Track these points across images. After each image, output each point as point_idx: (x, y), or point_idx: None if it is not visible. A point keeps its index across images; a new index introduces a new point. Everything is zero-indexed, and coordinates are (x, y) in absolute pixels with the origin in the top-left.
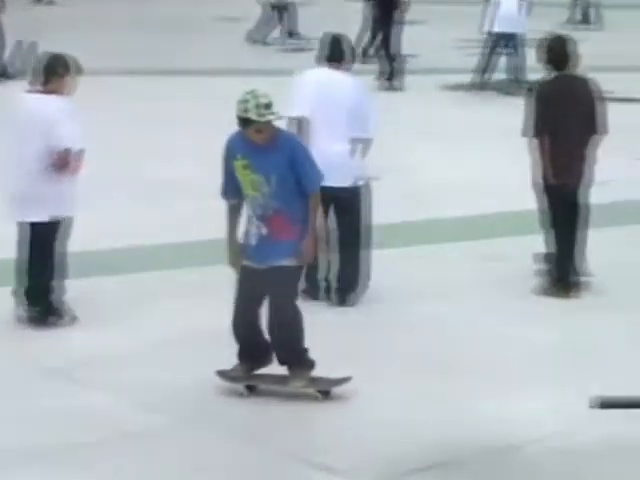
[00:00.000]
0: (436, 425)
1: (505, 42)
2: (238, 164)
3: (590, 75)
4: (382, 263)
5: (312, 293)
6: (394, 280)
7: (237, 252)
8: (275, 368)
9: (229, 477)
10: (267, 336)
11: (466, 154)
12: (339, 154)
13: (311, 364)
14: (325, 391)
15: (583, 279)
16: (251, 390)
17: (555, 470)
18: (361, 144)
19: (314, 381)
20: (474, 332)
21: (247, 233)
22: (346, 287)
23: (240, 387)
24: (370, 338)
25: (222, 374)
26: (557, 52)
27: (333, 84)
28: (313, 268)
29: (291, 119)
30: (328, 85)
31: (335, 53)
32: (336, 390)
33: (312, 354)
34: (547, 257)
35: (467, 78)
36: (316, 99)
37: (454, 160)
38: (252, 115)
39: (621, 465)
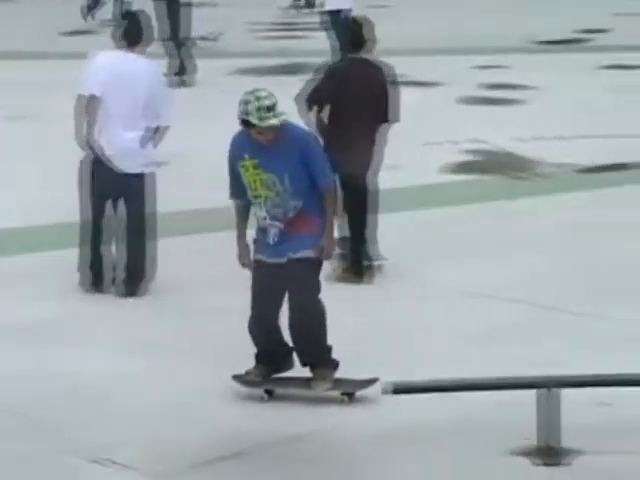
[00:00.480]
0: (230, 416)
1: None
2: (247, 164)
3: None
4: (169, 252)
5: (97, 285)
6: (182, 269)
7: (247, 253)
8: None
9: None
10: (287, 337)
11: None
12: (131, 140)
13: (335, 364)
14: (350, 393)
15: (375, 263)
16: (270, 394)
17: (352, 455)
18: (154, 132)
19: (338, 383)
20: None
21: (264, 235)
22: (133, 277)
23: (259, 391)
24: (165, 326)
25: (238, 378)
26: (352, 34)
27: (127, 68)
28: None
29: (80, 96)
30: (121, 68)
31: (131, 34)
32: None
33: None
34: (341, 242)
35: (261, 62)
36: (108, 81)
37: None
38: (253, 119)
39: (414, 448)
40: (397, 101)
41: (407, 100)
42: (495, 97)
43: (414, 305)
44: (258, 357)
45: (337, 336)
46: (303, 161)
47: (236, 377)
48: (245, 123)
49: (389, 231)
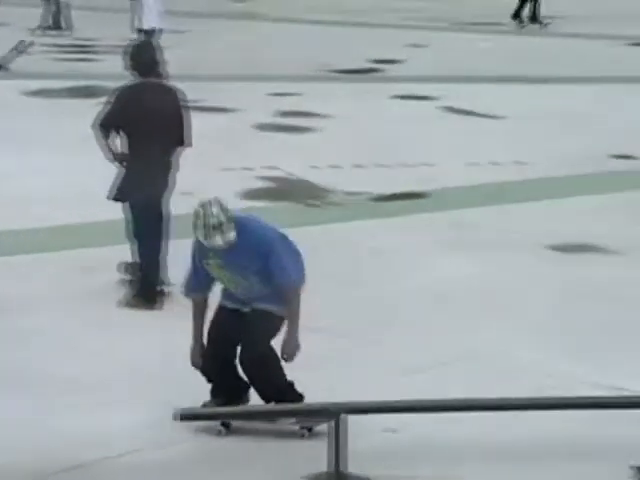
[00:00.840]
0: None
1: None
2: (212, 263)
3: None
4: None
5: None
6: None
7: (200, 351)
8: None
9: None
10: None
11: (50, 162)
12: None
13: (300, 398)
14: (309, 427)
15: (166, 288)
16: (228, 428)
17: None
18: None
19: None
20: (64, 345)
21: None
22: None
23: (215, 425)
24: None
25: (191, 415)
26: (142, 59)
27: None
28: None
29: None
30: None
31: None
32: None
33: None
34: (132, 267)
35: (51, 83)
36: None
37: (37, 169)
38: (199, 235)
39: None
40: (189, 126)
41: (203, 125)
42: (291, 124)
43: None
44: (213, 391)
45: (123, 361)
46: (265, 261)
47: (186, 415)
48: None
49: (180, 257)
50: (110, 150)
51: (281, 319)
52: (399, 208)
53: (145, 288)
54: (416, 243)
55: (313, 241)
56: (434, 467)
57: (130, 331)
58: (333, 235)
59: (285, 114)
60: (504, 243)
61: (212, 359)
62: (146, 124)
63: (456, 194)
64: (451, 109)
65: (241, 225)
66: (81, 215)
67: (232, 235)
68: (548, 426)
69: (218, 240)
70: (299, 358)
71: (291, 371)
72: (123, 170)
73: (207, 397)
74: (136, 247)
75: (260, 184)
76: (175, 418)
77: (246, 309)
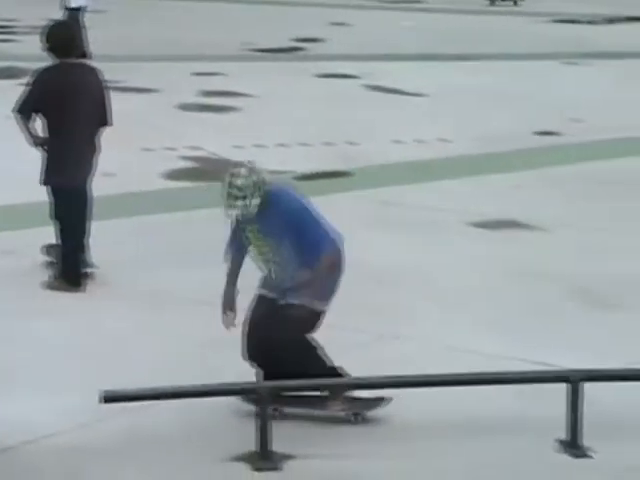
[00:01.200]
0: None
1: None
2: (251, 233)
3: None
4: None
5: None
6: None
7: (233, 299)
8: None
9: None
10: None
11: None
12: None
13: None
14: (358, 413)
15: (90, 270)
16: (280, 413)
17: (55, 469)
18: None
19: (350, 402)
20: None
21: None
22: None
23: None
24: None
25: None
26: (59, 39)
27: None
28: None
29: None
30: None
31: None
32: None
33: None
34: (55, 249)
35: None
36: None
37: None
38: (223, 202)
39: (132, 457)
40: (110, 105)
41: (125, 106)
42: (214, 104)
43: (132, 312)
44: (266, 376)
45: (46, 344)
46: (291, 229)
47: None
48: None
49: (103, 238)
50: (31, 134)
51: (315, 314)
52: (324, 186)
53: (68, 270)
54: (341, 222)
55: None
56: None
57: (53, 313)
58: None
59: (209, 94)
60: (429, 221)
61: (249, 347)
62: (70, 106)
63: (381, 172)
64: (375, 87)
65: (272, 195)
66: (4, 198)
67: (253, 207)
68: (476, 402)
69: (235, 211)
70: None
71: (222, 351)
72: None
73: (132, 378)
74: (60, 229)
75: (183, 164)
76: (100, 400)
77: (282, 301)
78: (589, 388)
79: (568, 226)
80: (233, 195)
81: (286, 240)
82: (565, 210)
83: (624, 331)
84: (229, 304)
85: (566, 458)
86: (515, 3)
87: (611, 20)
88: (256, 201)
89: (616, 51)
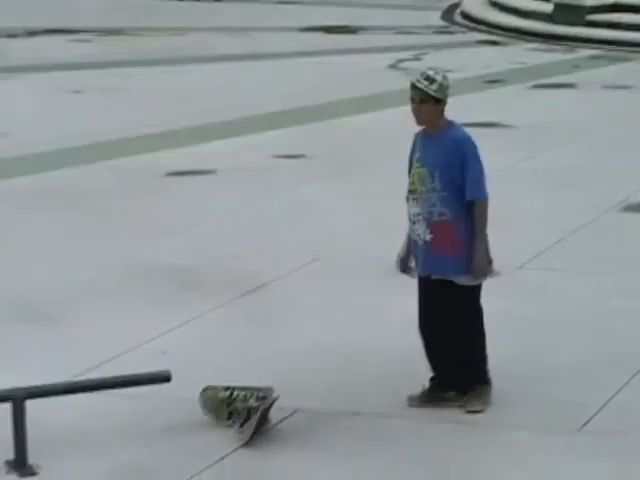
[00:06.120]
0: None
1: None
2: (416, 156)
3: None
4: None
5: None
6: None
7: (408, 257)
8: None
9: None
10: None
11: None
12: None
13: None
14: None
15: None
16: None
17: None
18: None
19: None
20: None
21: (414, 233)
22: None
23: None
24: None
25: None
26: None
27: None
28: None
29: None
30: None
31: None
32: None
33: None
34: None
35: None
36: None
37: None
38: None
39: None
40: None
41: None
42: None
43: None
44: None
45: None
46: (457, 164)
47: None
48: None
49: None
50: None
51: (465, 287)
52: None
53: None
54: None
55: None
56: None
57: None
58: None
59: None
60: None
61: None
62: None
63: None
64: None
65: (450, 122)
66: None
67: (428, 91)
68: None
69: (418, 84)
70: None
71: None
72: None
73: None
74: None
75: None
76: None
77: (424, 275)
78: (37, 405)
79: None
80: (425, 75)
81: (444, 171)
82: None
83: (69, 342)
84: (404, 262)
85: (13, 478)
86: None
87: (31, 33)
88: (432, 89)
89: (39, 64)
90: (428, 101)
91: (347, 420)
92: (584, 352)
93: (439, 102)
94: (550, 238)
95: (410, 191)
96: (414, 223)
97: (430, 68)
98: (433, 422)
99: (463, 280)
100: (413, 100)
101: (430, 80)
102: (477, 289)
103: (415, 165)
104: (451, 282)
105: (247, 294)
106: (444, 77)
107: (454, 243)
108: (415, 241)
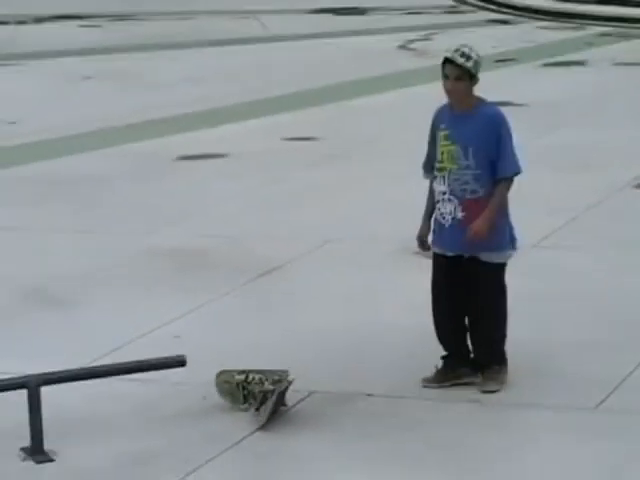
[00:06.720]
0: None
1: None
2: (441, 134)
3: None
4: None
5: None
6: None
7: (427, 234)
8: None
9: None
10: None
11: None
12: None
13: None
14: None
15: None
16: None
17: None
18: None
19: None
20: None
21: (441, 212)
22: None
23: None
24: None
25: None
26: None
27: None
28: None
29: None
30: None
31: None
32: None
33: None
34: None
35: None
36: None
37: None
38: (448, 54)
39: None
40: None
41: None
42: None
43: None
44: (446, 357)
45: None
46: (492, 140)
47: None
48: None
49: None
50: None
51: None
52: None
53: None
54: None
55: None
56: None
57: None
58: None
59: None
60: None
61: (439, 324)
62: None
63: None
64: None
65: (481, 99)
66: None
67: (466, 67)
68: None
69: (448, 55)
70: None
71: None
72: None
73: None
74: None
75: None
76: None
77: (456, 252)
78: (52, 391)
79: (12, 230)
80: (455, 49)
81: (475, 147)
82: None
83: (83, 329)
84: (423, 238)
85: (30, 465)
86: None
87: (39, 19)
88: (467, 66)
89: (48, 50)
90: (464, 78)
91: (362, 401)
92: (599, 330)
93: (473, 78)
94: (564, 216)
95: (439, 169)
96: (439, 202)
97: (464, 44)
98: (448, 402)
99: (494, 257)
100: (447, 77)
101: (466, 57)
102: (504, 267)
103: (443, 143)
104: (481, 260)
105: (259, 277)
106: (477, 54)
107: None
108: (438, 220)
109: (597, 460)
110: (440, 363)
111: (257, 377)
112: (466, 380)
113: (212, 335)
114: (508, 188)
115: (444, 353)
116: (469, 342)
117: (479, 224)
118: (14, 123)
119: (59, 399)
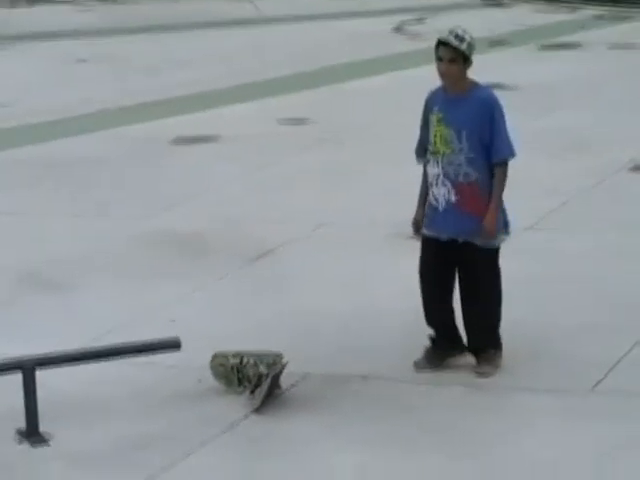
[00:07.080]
0: None
1: None
2: (434, 118)
3: None
4: None
5: None
6: None
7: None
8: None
9: None
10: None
11: None
12: None
13: (501, 348)
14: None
15: None
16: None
17: None
18: None
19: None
20: None
21: (434, 195)
22: None
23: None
24: None
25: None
26: None
27: None
28: None
29: None
30: None
31: None
32: None
33: None
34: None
35: None
36: None
37: None
38: (442, 36)
39: None
40: None
41: None
42: None
43: None
44: (436, 339)
45: None
46: (486, 123)
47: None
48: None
49: None
50: None
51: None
52: None
53: None
54: None
55: None
56: None
57: None
58: None
59: None
60: None
61: (429, 307)
62: None
63: None
64: None
65: (474, 82)
66: None
67: (460, 49)
68: None
69: (442, 37)
70: None
71: None
72: None
73: None
74: None
75: None
76: None
77: (448, 235)
78: (47, 375)
79: (8, 213)
80: (454, 33)
81: (468, 131)
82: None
83: (79, 311)
84: (418, 224)
85: (26, 447)
86: None
87: (32, 1)
88: (461, 48)
89: (41, 32)
90: (457, 60)
91: (357, 384)
92: (594, 312)
93: (467, 61)
94: (558, 199)
95: (432, 153)
96: (433, 185)
97: (457, 26)
98: (443, 386)
99: (485, 242)
100: (441, 59)
101: (460, 39)
102: (498, 251)
103: (436, 126)
104: (475, 244)
105: (254, 260)
106: (471, 36)
107: (480, 204)
108: (431, 203)
109: (593, 442)
110: (428, 343)
111: (252, 360)
112: (457, 357)
113: (207, 319)
114: (505, 174)
115: (433, 335)
116: (458, 323)
117: (489, 221)
118: (9, 104)
119: (54, 383)
